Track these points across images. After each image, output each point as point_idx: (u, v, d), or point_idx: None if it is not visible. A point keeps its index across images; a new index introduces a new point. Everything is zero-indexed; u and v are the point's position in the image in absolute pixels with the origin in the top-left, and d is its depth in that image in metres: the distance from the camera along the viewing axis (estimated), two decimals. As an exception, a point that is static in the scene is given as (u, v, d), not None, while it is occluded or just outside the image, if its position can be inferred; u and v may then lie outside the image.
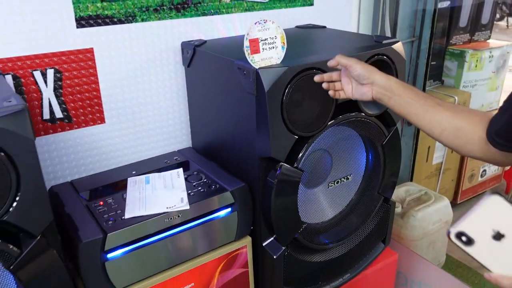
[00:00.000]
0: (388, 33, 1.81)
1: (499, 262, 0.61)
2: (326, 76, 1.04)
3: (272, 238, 1.24)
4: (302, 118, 1.11)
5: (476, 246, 0.61)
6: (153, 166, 1.32)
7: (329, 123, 1.15)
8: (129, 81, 1.35)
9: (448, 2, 2.22)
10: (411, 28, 1.98)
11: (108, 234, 0.99)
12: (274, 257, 1.23)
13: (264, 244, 1.24)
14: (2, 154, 0.78)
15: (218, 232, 1.18)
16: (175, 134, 1.48)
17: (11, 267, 0.84)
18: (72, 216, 1.06)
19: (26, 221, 0.84)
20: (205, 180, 1.22)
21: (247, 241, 1.24)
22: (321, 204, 1.34)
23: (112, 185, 1.22)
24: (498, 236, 0.60)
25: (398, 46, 1.27)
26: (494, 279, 0.61)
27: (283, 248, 1.24)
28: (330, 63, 1.02)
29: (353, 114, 1.19)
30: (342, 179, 1.32)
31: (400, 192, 2.07)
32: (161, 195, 1.13)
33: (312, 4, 1.64)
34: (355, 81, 1.00)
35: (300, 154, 1.14)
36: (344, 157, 1.32)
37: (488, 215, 0.60)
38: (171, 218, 1.07)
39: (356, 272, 1.48)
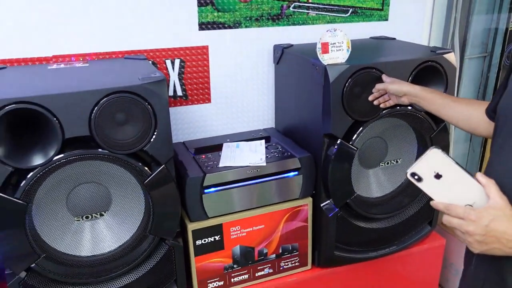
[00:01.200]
0: (457, 48, 2.04)
1: (439, 193, 0.86)
2: (376, 94, 1.40)
3: (328, 201, 1.57)
4: (358, 106, 1.44)
5: (424, 183, 0.86)
6: (243, 137, 1.72)
7: (382, 113, 1.47)
8: (231, 72, 1.77)
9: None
10: (483, 44, 2.18)
11: (207, 174, 1.41)
12: (329, 216, 1.56)
13: (321, 205, 1.58)
14: (149, 106, 1.22)
15: (286, 188, 1.53)
16: (262, 117, 1.87)
17: (145, 182, 1.28)
18: (183, 162, 1.49)
19: (157, 152, 1.27)
20: (280, 149, 1.59)
21: (308, 200, 1.58)
22: (373, 182, 1.64)
23: (212, 147, 1.63)
24: (438, 176, 0.85)
25: (450, 56, 1.53)
26: (434, 204, 0.87)
27: (337, 210, 1.56)
28: (376, 89, 1.39)
29: (402, 107, 1.49)
30: (392, 161, 1.61)
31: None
32: (246, 155, 1.52)
33: (387, 19, 1.94)
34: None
35: (355, 135, 1.47)
36: (396, 144, 1.60)
37: (431, 161, 0.85)
38: (251, 171, 1.46)
39: (402, 246, 1.74)
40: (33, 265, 1.24)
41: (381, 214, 1.63)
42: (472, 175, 0.85)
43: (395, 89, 1.33)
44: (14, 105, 1.09)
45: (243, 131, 1.83)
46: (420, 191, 0.88)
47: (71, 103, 1.14)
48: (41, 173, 1.16)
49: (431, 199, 0.89)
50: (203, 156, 1.54)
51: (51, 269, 1.27)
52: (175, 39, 1.65)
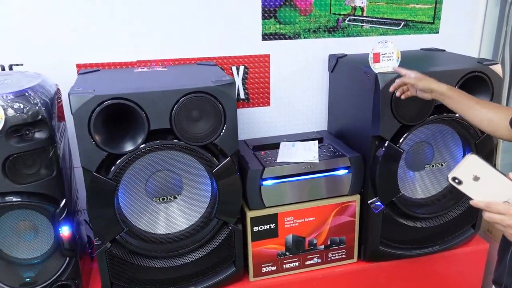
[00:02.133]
0: (507, 60, 2.11)
1: (478, 194, 0.96)
2: (396, 84, 1.45)
3: (375, 198, 1.71)
4: (406, 111, 1.57)
5: (464, 185, 0.96)
6: (298, 138, 1.88)
7: (428, 118, 1.59)
8: (289, 78, 1.95)
9: None
10: (536, 57, 2.22)
11: (266, 168, 1.59)
12: (375, 212, 1.69)
13: (369, 202, 1.71)
14: (220, 105, 1.42)
15: (336, 185, 1.68)
16: (316, 120, 2.04)
17: (213, 171, 1.48)
18: (245, 157, 1.68)
19: (225, 145, 1.46)
20: (332, 149, 1.74)
21: (356, 197, 1.72)
22: (418, 184, 1.75)
23: (270, 145, 1.81)
24: (476, 178, 0.95)
25: (497, 67, 1.63)
26: (475, 203, 0.96)
27: (383, 206, 1.69)
28: (401, 82, 1.45)
29: (448, 114, 1.60)
30: (437, 164, 1.72)
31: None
32: (301, 153, 1.69)
33: (437, 32, 2.05)
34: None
35: (402, 138, 1.60)
36: (441, 148, 1.71)
37: (469, 166, 0.95)
38: (305, 167, 1.62)
39: (445, 247, 1.84)
40: (117, 237, 1.47)
41: (425, 214, 1.74)
42: (506, 175, 0.95)
43: (424, 86, 1.39)
44: (111, 100, 1.32)
45: (298, 133, 2.00)
46: (462, 194, 0.99)
47: (156, 100, 1.36)
48: (130, 158, 1.39)
49: (471, 199, 0.98)
50: (262, 153, 1.72)
51: (132, 242, 1.49)
52: (240, 48, 1.85)
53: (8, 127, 1.31)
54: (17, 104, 1.32)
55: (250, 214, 1.62)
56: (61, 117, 1.56)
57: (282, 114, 1.99)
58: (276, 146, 1.80)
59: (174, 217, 1.54)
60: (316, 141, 1.81)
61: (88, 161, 1.37)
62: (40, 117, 1.35)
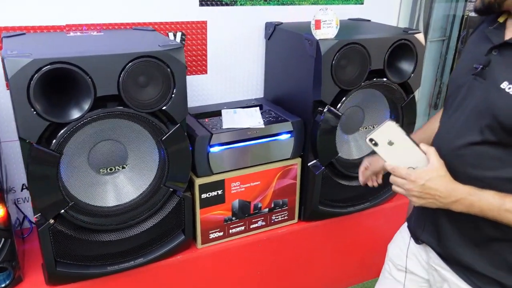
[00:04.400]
0: (421, 29, 2.31)
1: (390, 158, 1.03)
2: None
3: (315, 161, 1.79)
4: (344, 77, 1.65)
5: (379, 148, 1.03)
6: (238, 105, 1.90)
7: (363, 83, 1.70)
8: (226, 46, 1.94)
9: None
10: (443, 29, 2.46)
11: (214, 134, 1.59)
12: (316, 173, 1.78)
13: (309, 164, 1.79)
14: (169, 70, 1.38)
15: (280, 149, 1.74)
16: (253, 87, 2.06)
17: (162, 139, 1.44)
18: (190, 125, 1.66)
19: (174, 112, 1.43)
20: (273, 115, 1.78)
21: (298, 160, 1.80)
22: (352, 146, 1.87)
23: (211, 113, 1.80)
24: (390, 143, 1.02)
25: (420, 36, 1.77)
26: (390, 166, 1.03)
27: (323, 168, 1.79)
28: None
29: (380, 79, 1.72)
30: (370, 127, 1.85)
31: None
32: (245, 119, 1.71)
33: (362, 3, 2.17)
34: None
35: (340, 103, 1.69)
36: (372, 112, 1.84)
37: (386, 131, 1.02)
38: (251, 132, 1.65)
39: (375, 203, 2.00)
40: (62, 212, 1.38)
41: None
42: (418, 144, 1.03)
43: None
44: (53, 65, 1.22)
45: (236, 100, 2.01)
46: (377, 155, 1.06)
47: (103, 64, 1.28)
48: (74, 127, 1.30)
49: (384, 160, 1.06)
50: (206, 120, 1.71)
51: (78, 217, 1.41)
52: (178, 13, 1.79)
53: None
54: None
55: (199, 181, 1.62)
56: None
57: (219, 82, 1.98)
58: (217, 113, 1.79)
59: (121, 188, 1.48)
60: (258, 108, 1.84)
61: (28, 132, 1.26)
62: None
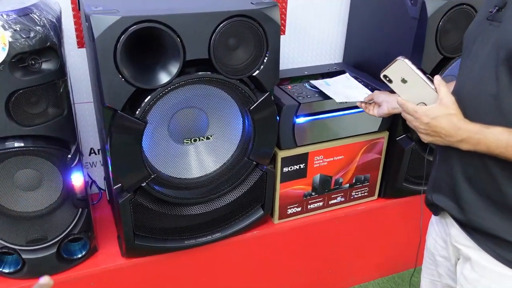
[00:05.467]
0: None
1: (404, 93, 0.99)
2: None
3: (404, 135, 1.63)
4: (448, 42, 1.46)
5: (393, 84, 1.00)
6: (318, 71, 1.73)
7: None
8: (307, 3, 1.75)
9: None
10: None
11: (301, 104, 1.44)
12: (405, 148, 1.63)
13: (397, 138, 1.64)
14: (262, 30, 1.23)
15: (368, 121, 1.58)
16: (331, 51, 1.89)
17: (250, 108, 1.31)
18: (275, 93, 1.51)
19: (265, 78, 1.29)
20: (362, 83, 1.62)
21: (385, 134, 1.64)
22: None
23: (288, 78, 1.65)
24: (404, 81, 0.98)
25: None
26: (401, 101, 0.98)
27: (412, 142, 1.63)
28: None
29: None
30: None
31: None
32: (350, 91, 1.53)
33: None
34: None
35: (440, 72, 1.50)
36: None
37: (399, 68, 0.99)
38: (339, 103, 1.49)
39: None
40: (144, 184, 1.29)
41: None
42: (432, 81, 0.98)
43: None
44: (141, 23, 1.09)
45: (316, 65, 1.85)
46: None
47: (193, 24, 1.14)
48: (161, 94, 1.18)
49: (398, 95, 1.01)
50: (289, 87, 1.56)
51: (159, 190, 1.32)
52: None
53: (12, 55, 1.05)
54: (21, 25, 1.05)
55: (281, 154, 1.49)
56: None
57: (297, 43, 1.81)
58: (298, 79, 1.64)
59: (203, 159, 1.37)
60: (347, 74, 1.67)
61: (113, 98, 1.15)
62: (48, 43, 1.10)
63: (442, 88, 0.96)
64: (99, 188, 1.75)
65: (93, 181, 1.75)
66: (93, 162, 1.76)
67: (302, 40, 1.81)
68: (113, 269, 1.43)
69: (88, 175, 1.73)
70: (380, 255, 1.90)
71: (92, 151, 1.74)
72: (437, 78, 0.98)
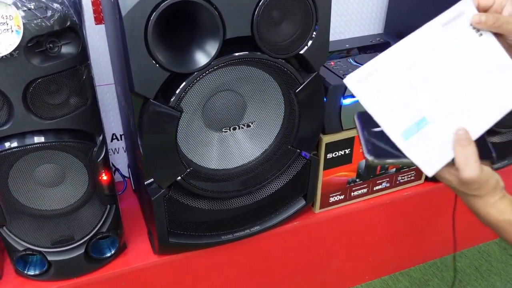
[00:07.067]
0: None
1: None
2: None
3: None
4: None
5: None
6: (361, 43, 1.56)
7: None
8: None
9: None
10: None
11: (349, 83, 1.28)
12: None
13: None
14: (312, 3, 1.06)
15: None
16: (373, 20, 1.70)
17: (296, 91, 1.16)
18: (314, 69, 1.36)
19: (313, 57, 1.13)
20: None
21: (437, 113, 1.48)
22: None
23: (333, 52, 1.49)
24: None
25: None
26: None
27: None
28: None
29: None
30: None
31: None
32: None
33: None
34: None
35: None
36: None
37: None
38: (392, 80, 1.33)
39: (514, 161, 1.69)
40: (179, 178, 1.15)
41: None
42: None
43: None
44: (175, -3, 0.92)
45: (355, 36, 1.67)
46: None
47: (235, -4, 0.98)
48: (198, 78, 1.03)
49: None
50: (332, 63, 1.40)
51: (196, 184, 1.19)
52: None
53: (28, 39, 0.90)
54: (36, 3, 0.90)
55: (326, 139, 1.34)
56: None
57: (334, 13, 1.63)
58: (339, 53, 1.48)
59: (241, 147, 1.23)
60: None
61: (144, 85, 1.00)
62: (69, 23, 0.94)
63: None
64: (123, 176, 1.63)
65: (117, 169, 1.62)
66: (115, 149, 1.63)
67: (339, 9, 1.63)
68: (145, 268, 1.32)
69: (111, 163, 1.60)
70: (423, 240, 1.78)
71: (114, 137, 1.61)
72: None
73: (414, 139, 0.69)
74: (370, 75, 0.69)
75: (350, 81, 0.69)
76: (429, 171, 0.70)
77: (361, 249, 1.65)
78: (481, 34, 0.71)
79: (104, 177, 1.16)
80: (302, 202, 1.40)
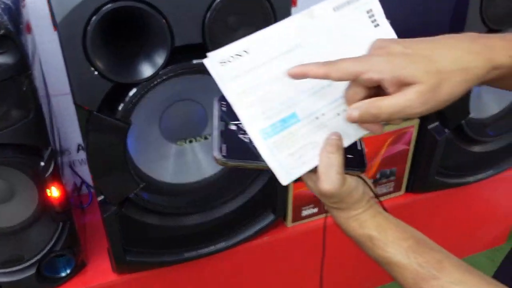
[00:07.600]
0: None
1: None
2: None
3: (437, 123, 1.40)
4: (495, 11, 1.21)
5: None
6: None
7: (517, 20, 1.24)
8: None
9: None
10: None
11: (317, 92, 1.21)
12: (438, 138, 1.40)
13: (429, 127, 1.41)
14: (269, 5, 0.99)
15: (395, 108, 1.35)
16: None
17: (257, 101, 1.09)
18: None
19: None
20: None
21: (415, 122, 1.41)
22: (483, 101, 1.46)
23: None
24: None
25: None
26: None
27: (447, 132, 1.39)
28: None
29: None
30: None
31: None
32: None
33: None
34: None
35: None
36: None
37: None
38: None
39: (499, 170, 1.61)
40: (131, 195, 1.08)
41: (491, 135, 1.47)
42: None
43: None
44: (119, 2, 0.86)
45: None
46: None
47: (183, 2, 0.91)
48: (146, 88, 0.96)
49: None
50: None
51: (151, 200, 1.12)
52: None
53: (-46, 49, 0.83)
54: (-37, 10, 0.83)
55: (294, 150, 1.27)
56: (27, 27, 1.07)
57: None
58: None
59: (201, 160, 1.16)
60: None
61: (86, 97, 0.93)
62: (3, 31, 0.87)
63: None
64: (89, 188, 1.56)
65: (83, 181, 1.55)
66: (82, 160, 1.56)
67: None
68: (104, 287, 1.25)
69: (76, 174, 1.54)
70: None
71: (80, 147, 1.54)
72: None
73: (276, 139, 0.58)
74: (237, 56, 0.57)
75: (210, 61, 0.57)
76: (284, 179, 0.59)
77: (336, 264, 1.58)
78: (377, 25, 0.62)
79: (54, 193, 1.09)
80: (271, 217, 1.33)
